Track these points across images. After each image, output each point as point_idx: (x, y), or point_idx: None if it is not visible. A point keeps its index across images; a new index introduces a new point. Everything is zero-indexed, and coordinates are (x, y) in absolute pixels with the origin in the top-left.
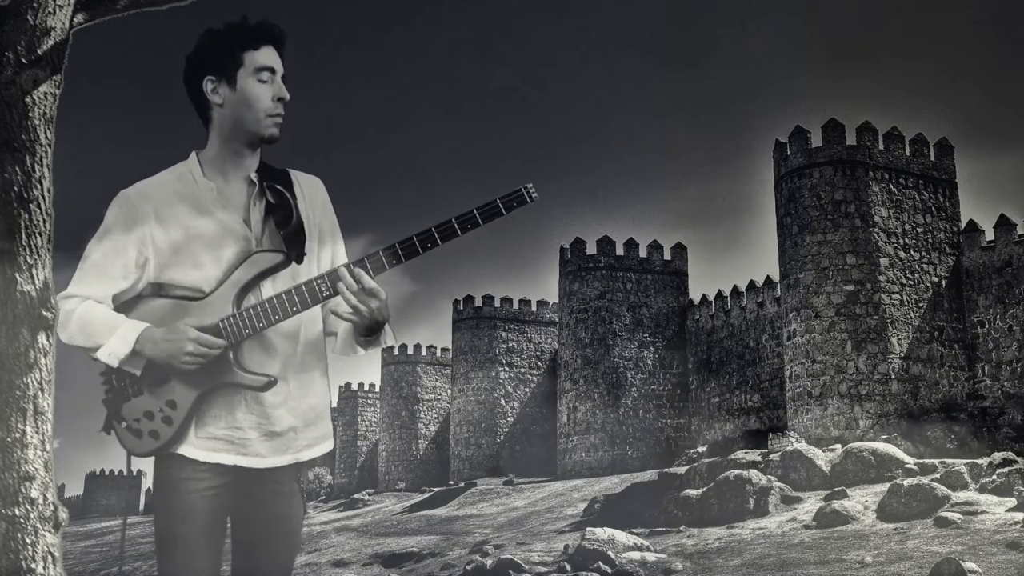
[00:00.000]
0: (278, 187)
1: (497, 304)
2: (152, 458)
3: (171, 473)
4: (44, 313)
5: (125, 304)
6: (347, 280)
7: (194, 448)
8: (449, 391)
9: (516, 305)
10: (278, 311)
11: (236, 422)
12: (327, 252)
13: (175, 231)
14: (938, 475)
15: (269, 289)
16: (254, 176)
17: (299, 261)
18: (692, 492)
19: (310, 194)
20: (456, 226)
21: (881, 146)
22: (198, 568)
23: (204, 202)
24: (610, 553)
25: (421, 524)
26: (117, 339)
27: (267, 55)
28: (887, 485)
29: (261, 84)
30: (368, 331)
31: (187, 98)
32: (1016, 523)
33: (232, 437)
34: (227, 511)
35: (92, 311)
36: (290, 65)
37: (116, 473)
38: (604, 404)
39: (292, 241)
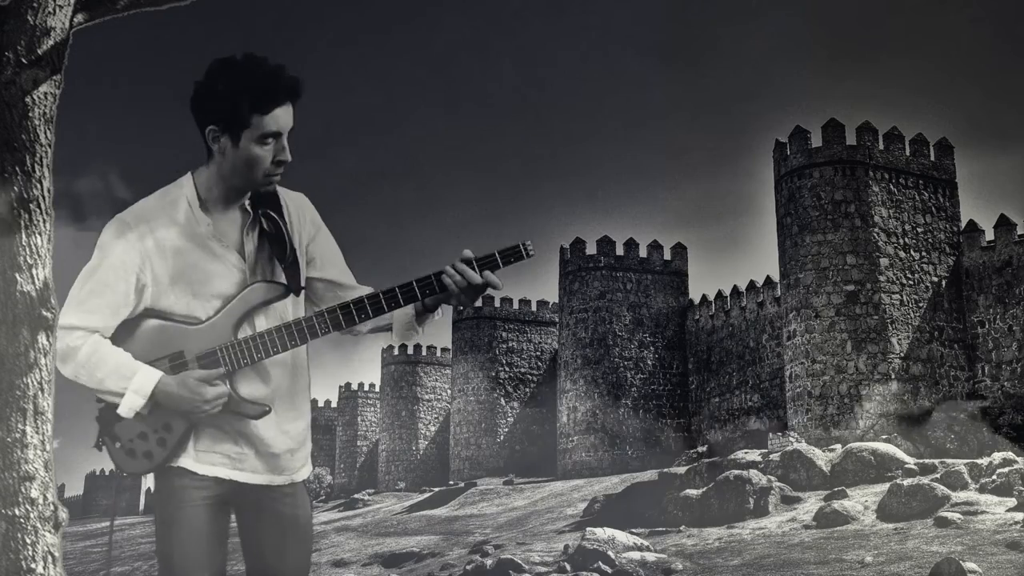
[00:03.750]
0: (271, 214)
1: (497, 304)
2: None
3: (172, 481)
4: (44, 313)
5: (121, 327)
6: (456, 279)
7: (193, 461)
8: (449, 391)
9: (516, 305)
10: (276, 345)
11: (232, 441)
12: (328, 269)
13: (172, 260)
14: (938, 475)
15: (262, 320)
16: (248, 206)
17: (297, 293)
18: (692, 492)
19: (298, 213)
20: (434, 280)
21: (881, 146)
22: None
23: (199, 233)
24: (610, 553)
25: (421, 524)
26: (133, 395)
27: (275, 120)
28: (887, 485)
29: (264, 147)
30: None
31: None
32: (1016, 523)
33: (229, 453)
34: (228, 517)
35: (99, 352)
36: (290, 65)
37: (117, 473)
38: (604, 404)
39: (290, 273)
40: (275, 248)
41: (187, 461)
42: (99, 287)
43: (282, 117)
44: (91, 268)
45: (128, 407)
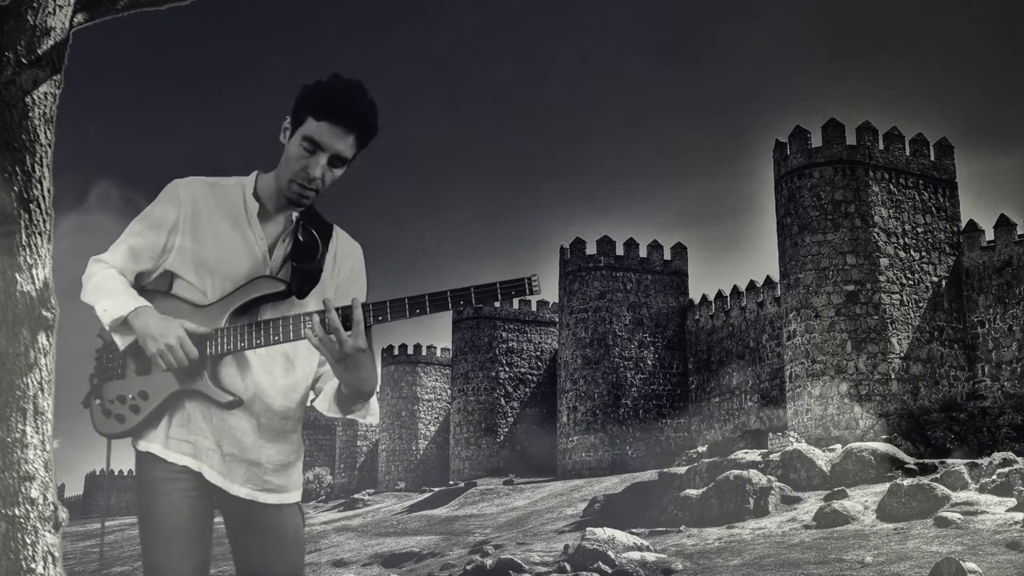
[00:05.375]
0: (314, 232)
1: (497, 304)
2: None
3: (149, 473)
4: (44, 313)
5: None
6: (331, 317)
7: (164, 448)
8: (449, 391)
9: (516, 305)
10: (260, 337)
11: (200, 431)
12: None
13: (203, 231)
14: (938, 475)
15: (268, 317)
16: (295, 216)
17: (299, 296)
18: (692, 492)
19: (343, 254)
20: (449, 301)
21: (881, 146)
22: (180, 568)
23: (240, 217)
24: (610, 553)
25: (421, 524)
26: (118, 302)
27: (325, 131)
28: (887, 485)
29: (302, 151)
30: (354, 392)
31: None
32: (1016, 523)
33: (198, 444)
34: (210, 512)
35: (112, 278)
36: (289, 66)
37: (116, 473)
38: (604, 404)
39: (299, 276)
40: (300, 257)
41: (156, 447)
42: (133, 237)
43: (331, 135)
44: (138, 219)
45: (105, 308)
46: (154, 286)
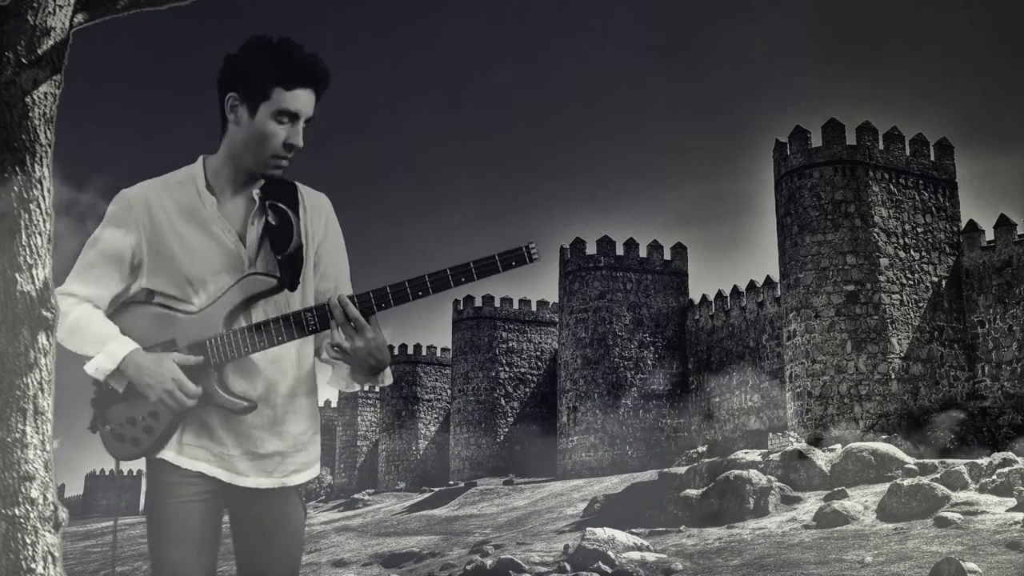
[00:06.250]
0: (280, 205)
1: (497, 304)
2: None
3: (161, 477)
4: (44, 313)
5: (119, 308)
6: (336, 313)
7: (178, 455)
8: (449, 391)
9: (516, 305)
10: (264, 339)
11: (219, 438)
12: (327, 279)
13: (169, 241)
14: (938, 475)
15: (260, 313)
16: (256, 194)
17: (292, 288)
18: (692, 492)
19: (313, 212)
20: (450, 278)
21: (881, 146)
22: (190, 573)
23: (201, 215)
24: (610, 553)
25: (421, 524)
26: (105, 355)
27: (295, 99)
28: (887, 485)
29: (278, 125)
30: (368, 371)
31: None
32: (1016, 523)
33: (214, 450)
34: (220, 515)
35: (86, 318)
36: None
37: (116, 473)
38: (604, 404)
39: (287, 267)
40: (276, 241)
41: (169, 454)
42: (96, 259)
43: (303, 99)
44: (93, 239)
45: (95, 367)
46: (141, 298)
